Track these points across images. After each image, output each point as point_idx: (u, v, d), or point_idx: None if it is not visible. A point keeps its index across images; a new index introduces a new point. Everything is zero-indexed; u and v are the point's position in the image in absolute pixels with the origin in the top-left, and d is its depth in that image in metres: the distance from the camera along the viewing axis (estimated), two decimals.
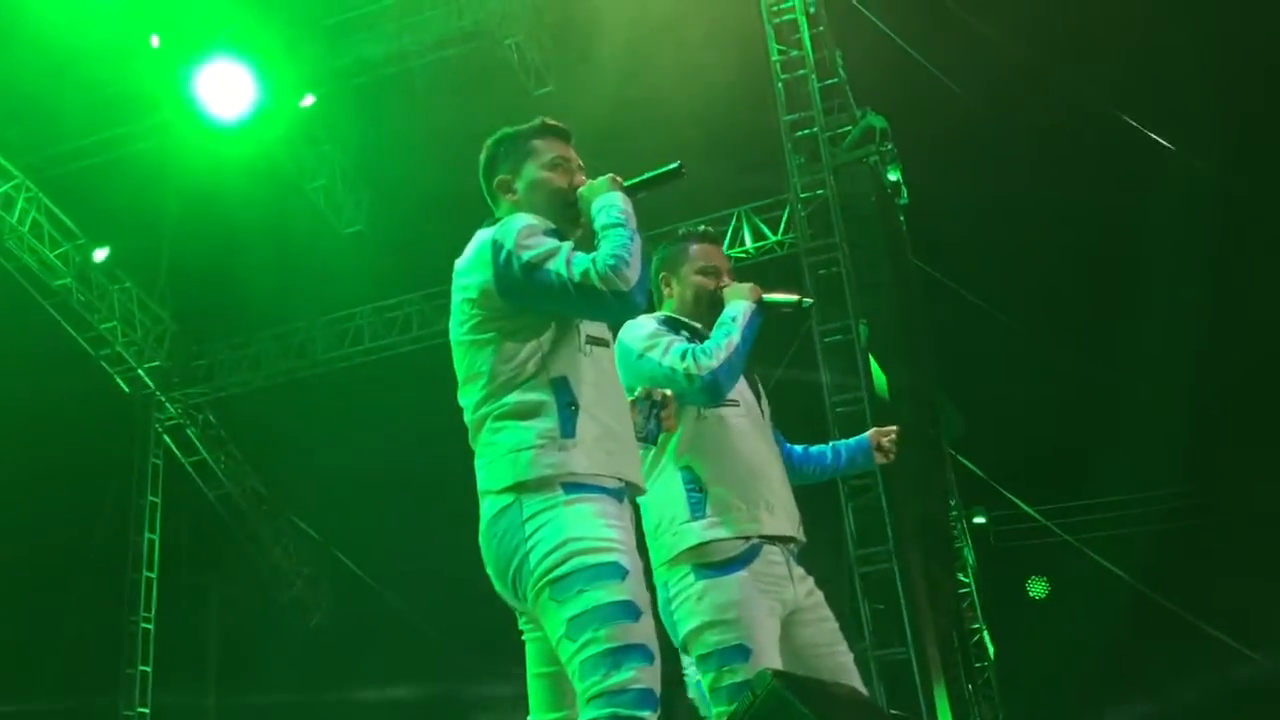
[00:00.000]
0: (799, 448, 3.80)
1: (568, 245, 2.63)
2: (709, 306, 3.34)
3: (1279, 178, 9.63)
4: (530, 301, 2.62)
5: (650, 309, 3.33)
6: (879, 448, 3.68)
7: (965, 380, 11.56)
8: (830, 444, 3.90)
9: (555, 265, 2.56)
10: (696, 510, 3.05)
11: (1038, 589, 10.17)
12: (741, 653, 2.90)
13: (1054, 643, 11.60)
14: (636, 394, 2.99)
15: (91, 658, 11.18)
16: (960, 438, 12.03)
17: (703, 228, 3.57)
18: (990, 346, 11.39)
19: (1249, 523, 10.91)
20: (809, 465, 3.83)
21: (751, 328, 3.19)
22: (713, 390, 3.07)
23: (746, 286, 3.30)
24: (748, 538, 3.04)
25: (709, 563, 3.01)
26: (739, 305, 3.23)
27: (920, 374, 10.80)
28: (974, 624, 12.22)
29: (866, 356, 9.92)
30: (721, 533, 3.03)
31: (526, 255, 2.58)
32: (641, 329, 3.23)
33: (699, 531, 3.03)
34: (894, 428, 3.70)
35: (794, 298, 3.45)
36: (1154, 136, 9.70)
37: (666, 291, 3.46)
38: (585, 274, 2.54)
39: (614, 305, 2.58)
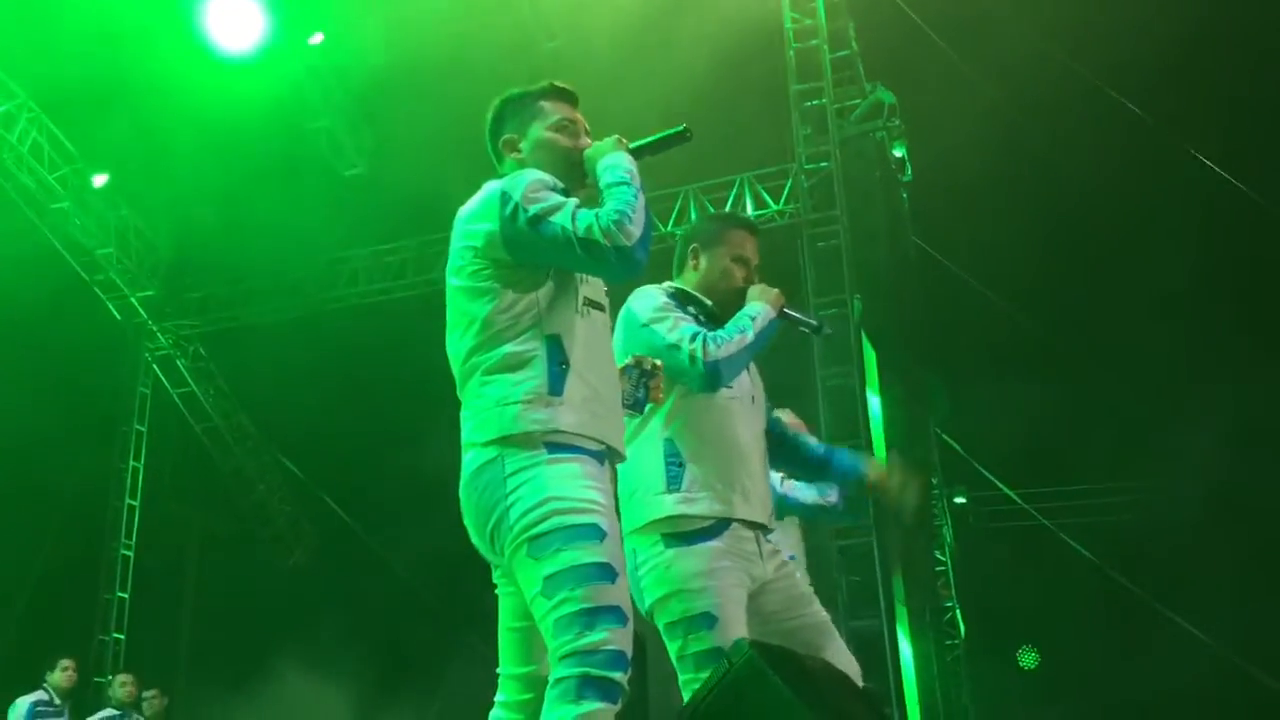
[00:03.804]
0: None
1: (574, 201, 2.65)
2: (731, 295, 3.33)
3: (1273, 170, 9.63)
4: (533, 254, 2.64)
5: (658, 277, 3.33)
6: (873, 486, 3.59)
7: (955, 360, 11.60)
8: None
9: (560, 219, 2.59)
10: (673, 483, 3.07)
11: (1028, 660, 10.29)
12: (707, 620, 2.94)
13: (1026, 624, 11.72)
14: (627, 361, 2.99)
15: (70, 582, 11.23)
16: (947, 417, 12.09)
17: (745, 215, 3.61)
18: (983, 328, 11.42)
19: (1221, 518, 11.02)
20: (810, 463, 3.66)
21: (767, 333, 3.21)
22: (711, 379, 3.09)
23: (774, 292, 3.30)
24: (718, 517, 3.07)
25: (679, 533, 3.04)
26: (761, 308, 3.23)
27: (911, 352, 10.84)
28: (947, 601, 12.35)
29: (859, 331, 9.95)
30: (693, 509, 3.05)
31: (533, 208, 2.61)
32: (651, 299, 3.23)
33: (671, 504, 3.05)
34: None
35: (815, 322, 3.52)
36: (1167, 130, 9.68)
37: (692, 263, 3.41)
38: (589, 229, 2.57)
39: (616, 261, 2.59)
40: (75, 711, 8.07)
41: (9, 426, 9.90)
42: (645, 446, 3.12)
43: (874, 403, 9.85)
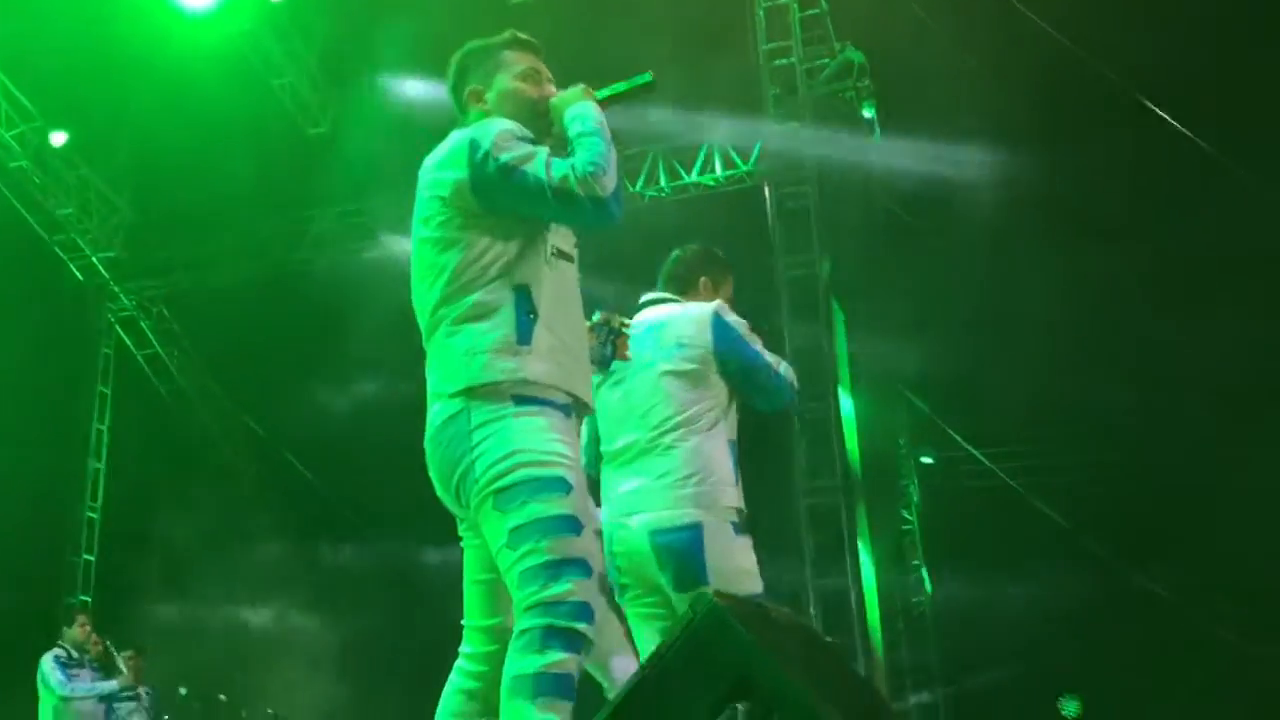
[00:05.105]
0: None
1: (545, 150, 2.61)
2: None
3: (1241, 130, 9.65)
4: (505, 203, 2.61)
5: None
6: None
7: (922, 322, 11.63)
8: None
9: (533, 168, 2.56)
10: (737, 478, 3.51)
11: (1070, 709, 10.71)
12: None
13: (990, 581, 11.86)
14: (595, 319, 3.03)
15: (36, 546, 11.15)
16: (913, 377, 12.14)
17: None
18: (952, 289, 11.44)
19: (1181, 480, 11.16)
20: None
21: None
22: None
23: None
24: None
25: (741, 522, 3.49)
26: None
27: (879, 314, 10.87)
28: (914, 560, 12.49)
29: (828, 293, 9.96)
30: (743, 504, 3.52)
31: (504, 157, 2.58)
32: (734, 316, 3.58)
33: (736, 497, 3.49)
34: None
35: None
36: (1148, 104, 9.68)
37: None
38: (564, 179, 2.54)
39: (590, 211, 2.57)
40: (90, 662, 8.55)
41: None
42: (718, 440, 3.51)
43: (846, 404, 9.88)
